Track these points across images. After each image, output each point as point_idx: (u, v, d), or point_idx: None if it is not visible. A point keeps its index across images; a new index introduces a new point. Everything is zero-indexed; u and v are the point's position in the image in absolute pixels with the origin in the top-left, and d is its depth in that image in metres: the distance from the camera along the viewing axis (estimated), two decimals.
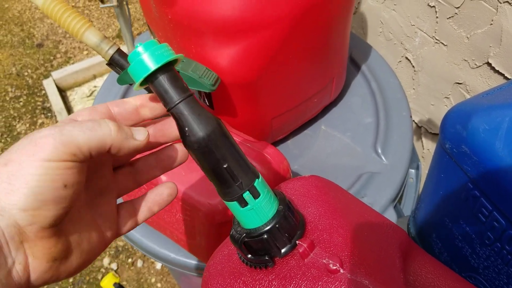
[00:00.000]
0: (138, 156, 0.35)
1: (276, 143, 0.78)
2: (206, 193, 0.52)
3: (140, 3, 0.64)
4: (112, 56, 0.53)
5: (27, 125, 1.97)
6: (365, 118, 0.80)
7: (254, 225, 0.30)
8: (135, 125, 0.32)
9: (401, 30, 1.05)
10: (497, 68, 0.82)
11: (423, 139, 1.14)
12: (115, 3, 0.74)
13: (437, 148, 0.52)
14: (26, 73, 2.19)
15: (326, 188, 0.36)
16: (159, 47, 0.27)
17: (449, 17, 0.88)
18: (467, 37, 0.86)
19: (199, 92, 0.64)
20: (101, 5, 0.74)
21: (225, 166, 0.28)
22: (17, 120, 2.00)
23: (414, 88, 1.09)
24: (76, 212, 0.30)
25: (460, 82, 0.94)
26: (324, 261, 0.29)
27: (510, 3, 0.74)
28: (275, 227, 0.30)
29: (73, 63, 2.20)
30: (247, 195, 0.29)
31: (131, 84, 0.78)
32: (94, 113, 0.31)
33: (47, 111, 2.02)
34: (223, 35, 0.54)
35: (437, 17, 0.91)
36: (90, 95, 2.08)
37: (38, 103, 2.06)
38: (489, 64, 0.84)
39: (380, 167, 0.73)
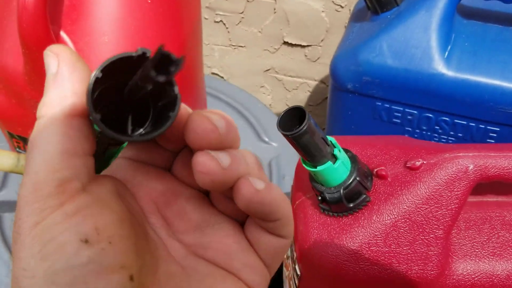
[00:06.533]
0: None
1: None
2: None
3: None
4: None
5: None
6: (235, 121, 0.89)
7: (343, 178, 0.35)
8: None
9: None
10: (293, 43, 1.02)
11: None
12: None
13: (335, 97, 0.64)
14: None
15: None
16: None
17: (238, 23, 1.04)
18: (260, 32, 1.04)
19: None
20: None
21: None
22: None
23: None
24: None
25: (268, 68, 1.11)
26: (402, 169, 0.37)
27: None
28: (359, 169, 0.36)
29: None
30: (336, 151, 0.34)
31: None
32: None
33: None
34: None
35: (227, 27, 1.06)
36: None
37: None
38: (286, 42, 1.03)
39: (275, 151, 0.83)
